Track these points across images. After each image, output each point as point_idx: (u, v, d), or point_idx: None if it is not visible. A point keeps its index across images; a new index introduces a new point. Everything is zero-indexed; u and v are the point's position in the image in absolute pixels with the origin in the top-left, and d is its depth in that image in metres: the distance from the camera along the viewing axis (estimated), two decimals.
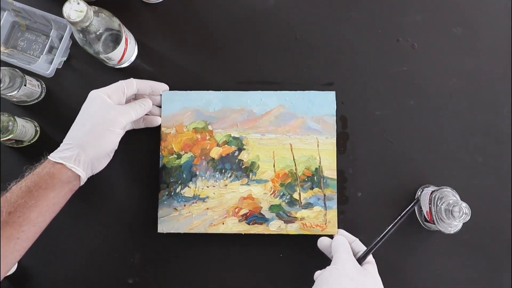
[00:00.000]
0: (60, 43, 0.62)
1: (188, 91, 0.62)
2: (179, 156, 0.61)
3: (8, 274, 0.59)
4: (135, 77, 0.64)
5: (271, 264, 0.61)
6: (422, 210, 0.60)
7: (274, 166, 0.60)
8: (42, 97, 0.63)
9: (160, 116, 0.62)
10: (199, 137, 0.61)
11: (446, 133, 0.63)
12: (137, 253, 0.61)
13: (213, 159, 0.61)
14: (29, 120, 0.62)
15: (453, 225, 0.55)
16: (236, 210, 0.60)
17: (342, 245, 0.54)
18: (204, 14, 0.66)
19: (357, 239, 0.56)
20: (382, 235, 0.55)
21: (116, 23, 0.55)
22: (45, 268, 0.61)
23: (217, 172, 0.60)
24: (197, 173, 0.60)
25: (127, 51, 0.59)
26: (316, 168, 0.60)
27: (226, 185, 0.60)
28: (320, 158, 0.60)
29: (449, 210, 0.54)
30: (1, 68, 0.56)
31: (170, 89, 0.62)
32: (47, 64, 0.62)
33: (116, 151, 0.58)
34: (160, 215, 0.60)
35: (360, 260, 0.54)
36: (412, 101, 0.64)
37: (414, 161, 0.63)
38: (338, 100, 0.63)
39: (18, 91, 0.58)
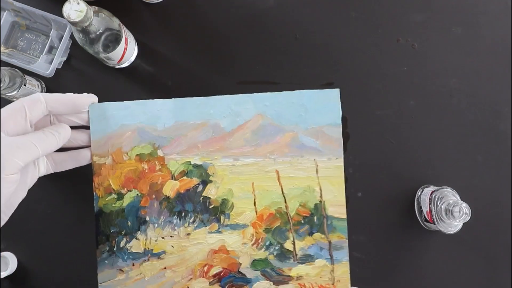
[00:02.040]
0: (60, 43, 0.62)
1: (125, 102, 0.46)
2: (121, 196, 0.45)
3: (8, 274, 0.59)
4: (135, 77, 0.64)
5: None
6: (422, 210, 0.60)
7: (255, 205, 0.44)
8: None
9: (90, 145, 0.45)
10: (145, 167, 0.45)
11: (446, 133, 0.63)
12: None
13: (168, 197, 0.45)
14: None
15: (453, 225, 0.55)
16: (205, 268, 0.44)
17: None
18: (204, 14, 0.66)
19: None
20: None
21: (116, 23, 0.55)
22: (45, 268, 0.61)
23: (175, 216, 0.45)
24: (147, 218, 0.45)
25: (127, 51, 0.59)
26: (315, 205, 0.45)
27: (188, 234, 0.44)
28: (321, 189, 0.45)
29: (449, 210, 0.54)
30: (1, 68, 0.56)
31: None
32: (47, 64, 0.62)
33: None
34: (100, 280, 0.45)
35: None
36: (412, 101, 0.64)
37: (414, 161, 0.63)
38: None
39: (18, 91, 0.58)
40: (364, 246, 0.62)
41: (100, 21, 0.53)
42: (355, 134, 0.63)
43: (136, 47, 0.64)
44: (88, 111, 0.45)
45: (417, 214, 0.61)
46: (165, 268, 0.44)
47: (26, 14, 0.63)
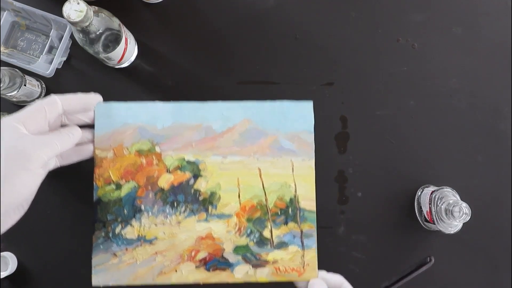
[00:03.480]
0: (60, 43, 0.62)
1: (129, 102, 0.50)
2: (119, 187, 0.48)
3: (8, 274, 0.59)
4: (135, 77, 0.64)
5: None
6: (422, 210, 0.60)
7: (239, 197, 0.49)
8: (42, 97, 0.63)
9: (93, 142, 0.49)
10: (144, 161, 0.49)
11: (446, 133, 0.63)
12: None
13: (162, 189, 0.49)
14: None
15: (453, 225, 0.55)
16: (193, 253, 0.48)
17: None
18: (204, 14, 0.66)
19: (345, 282, 0.46)
20: None
21: (116, 23, 0.55)
22: (45, 268, 0.61)
23: (168, 206, 0.49)
24: (142, 207, 0.48)
25: (127, 51, 0.59)
26: (291, 198, 0.49)
27: (179, 222, 0.48)
28: (295, 185, 0.49)
29: (449, 210, 0.54)
30: (1, 68, 0.56)
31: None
32: (47, 64, 0.62)
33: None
34: (94, 263, 0.48)
35: None
36: (412, 101, 0.64)
37: (414, 161, 0.63)
38: (338, 100, 0.63)
39: (18, 91, 0.58)
40: (364, 246, 0.62)
41: (100, 21, 0.53)
42: (355, 134, 0.63)
43: (136, 47, 0.64)
44: (94, 110, 0.49)
45: (417, 214, 0.61)
46: (156, 253, 0.48)
47: (26, 14, 0.63)
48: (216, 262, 0.48)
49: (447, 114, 0.64)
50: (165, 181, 0.49)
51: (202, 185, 0.49)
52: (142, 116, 0.49)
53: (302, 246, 0.49)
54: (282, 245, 0.49)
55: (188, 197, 0.49)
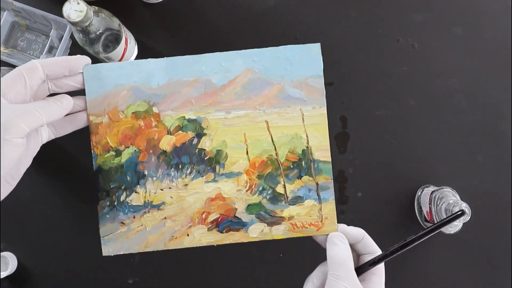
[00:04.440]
0: (60, 43, 0.62)
1: (119, 62, 0.48)
2: (119, 153, 0.46)
3: (8, 274, 0.59)
4: None
5: (274, 261, 0.61)
6: (422, 210, 0.60)
7: (247, 153, 0.46)
8: None
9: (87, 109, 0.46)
10: (142, 124, 0.46)
11: (446, 133, 0.63)
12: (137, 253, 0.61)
13: (165, 151, 0.46)
14: None
15: (453, 225, 0.55)
16: (204, 216, 0.46)
17: (338, 258, 0.42)
18: (204, 14, 0.66)
19: (366, 235, 0.44)
20: (402, 244, 0.42)
21: (116, 23, 0.55)
22: (45, 268, 0.61)
23: (172, 169, 0.46)
24: (146, 172, 0.46)
25: (127, 51, 0.59)
26: (303, 150, 0.46)
27: (186, 184, 0.46)
28: (307, 136, 0.46)
29: (449, 210, 0.54)
30: (1, 68, 0.56)
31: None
32: None
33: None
34: (103, 233, 0.46)
35: (365, 269, 0.43)
36: (412, 101, 0.64)
37: (414, 161, 0.63)
38: (338, 100, 0.63)
39: None
40: None
41: (100, 21, 0.53)
42: (355, 134, 0.63)
43: (136, 47, 0.64)
44: (82, 73, 0.45)
45: (417, 214, 0.61)
46: (165, 218, 0.46)
47: (26, 14, 0.63)
48: (229, 222, 0.46)
49: (447, 114, 0.64)
50: (167, 143, 0.46)
51: (207, 144, 0.46)
52: (135, 76, 0.46)
53: (319, 199, 0.46)
54: (297, 200, 0.46)
55: (193, 158, 0.46)
